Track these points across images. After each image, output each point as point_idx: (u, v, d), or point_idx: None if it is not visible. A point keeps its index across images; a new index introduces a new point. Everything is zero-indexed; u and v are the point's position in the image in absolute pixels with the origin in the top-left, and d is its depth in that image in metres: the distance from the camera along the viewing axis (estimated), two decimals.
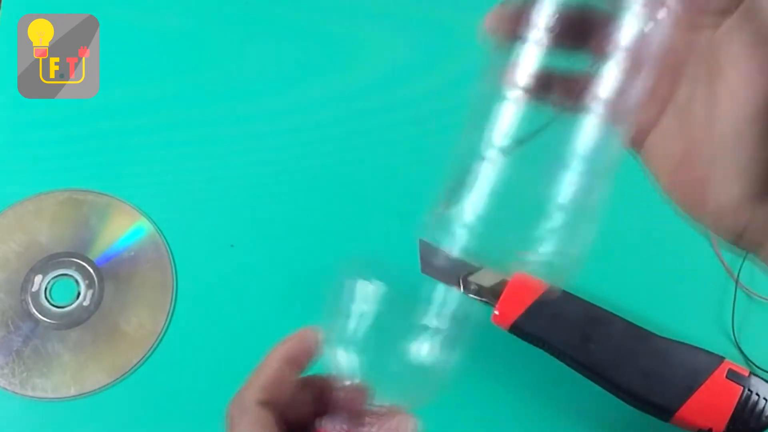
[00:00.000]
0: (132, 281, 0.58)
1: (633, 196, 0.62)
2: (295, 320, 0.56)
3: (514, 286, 0.54)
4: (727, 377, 0.50)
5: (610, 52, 0.30)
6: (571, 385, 0.54)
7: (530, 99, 0.30)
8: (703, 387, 0.50)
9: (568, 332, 0.53)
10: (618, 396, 0.53)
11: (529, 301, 0.53)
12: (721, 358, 0.52)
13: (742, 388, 0.50)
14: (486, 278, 0.55)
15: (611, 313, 0.55)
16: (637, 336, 0.53)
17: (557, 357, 0.53)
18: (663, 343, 0.53)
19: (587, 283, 0.56)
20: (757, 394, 0.50)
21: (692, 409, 0.50)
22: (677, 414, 0.51)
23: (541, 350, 0.53)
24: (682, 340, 0.53)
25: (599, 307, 0.55)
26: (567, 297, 0.55)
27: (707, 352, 0.52)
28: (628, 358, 0.53)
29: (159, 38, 0.64)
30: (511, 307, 0.53)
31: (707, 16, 0.29)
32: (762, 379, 0.51)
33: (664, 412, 0.51)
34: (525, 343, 0.54)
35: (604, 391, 0.53)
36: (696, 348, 0.52)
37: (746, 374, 0.51)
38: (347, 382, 0.35)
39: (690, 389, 0.50)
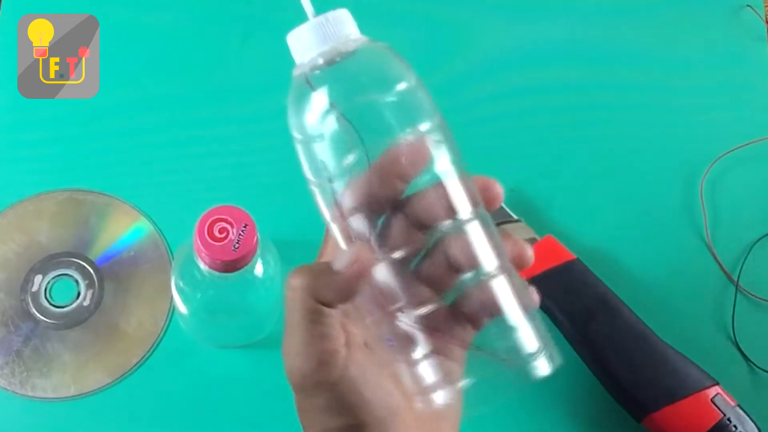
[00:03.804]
0: (132, 281, 0.58)
1: (634, 199, 0.62)
2: None
3: (540, 247, 0.54)
4: (712, 400, 0.50)
5: None
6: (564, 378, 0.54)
7: None
8: (685, 401, 0.50)
9: (577, 306, 0.53)
10: (600, 380, 0.53)
11: (550, 264, 0.54)
12: (715, 382, 0.51)
13: (722, 416, 0.49)
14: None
15: (623, 303, 0.54)
16: (640, 332, 0.53)
17: (557, 327, 0.53)
18: (663, 347, 0.52)
19: None
20: (735, 427, 0.49)
21: (666, 417, 0.50)
22: (650, 416, 0.50)
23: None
24: (684, 353, 0.53)
25: (614, 294, 0.55)
26: (587, 274, 0.55)
27: (703, 371, 0.52)
28: (624, 348, 0.52)
29: (159, 38, 0.64)
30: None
31: None
32: (747, 414, 0.50)
33: (639, 410, 0.51)
34: None
35: (592, 387, 0.53)
36: (693, 364, 0.52)
37: (733, 404, 0.50)
38: None
39: (671, 398, 0.50)
